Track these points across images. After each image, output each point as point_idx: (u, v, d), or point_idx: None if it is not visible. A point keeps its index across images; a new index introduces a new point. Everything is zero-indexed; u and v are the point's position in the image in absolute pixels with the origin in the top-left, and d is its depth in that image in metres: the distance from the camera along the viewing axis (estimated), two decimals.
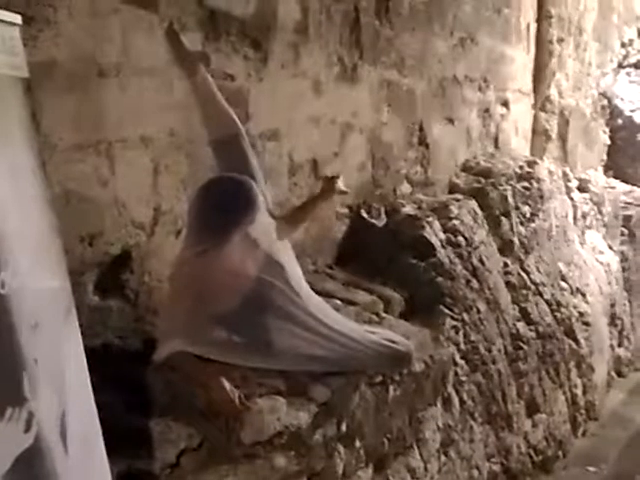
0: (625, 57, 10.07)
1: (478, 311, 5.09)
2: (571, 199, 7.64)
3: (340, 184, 3.64)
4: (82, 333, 2.12)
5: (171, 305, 3.15)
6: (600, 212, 8.21)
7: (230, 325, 3.08)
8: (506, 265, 5.86)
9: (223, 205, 3.10)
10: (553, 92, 8.12)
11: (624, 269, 8.26)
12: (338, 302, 4.06)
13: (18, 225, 1.89)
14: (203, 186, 3.21)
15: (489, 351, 5.09)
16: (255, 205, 3.17)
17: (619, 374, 7.77)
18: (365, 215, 5.08)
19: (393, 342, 3.43)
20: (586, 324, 6.78)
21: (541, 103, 8.05)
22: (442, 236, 5.12)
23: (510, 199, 6.15)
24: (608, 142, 9.56)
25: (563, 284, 6.70)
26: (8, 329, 1.79)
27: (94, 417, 2.09)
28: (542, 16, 7.92)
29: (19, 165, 1.97)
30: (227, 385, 2.93)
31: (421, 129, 5.80)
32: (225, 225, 3.08)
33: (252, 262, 3.15)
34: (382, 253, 4.90)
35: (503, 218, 5.99)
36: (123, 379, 2.88)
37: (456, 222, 5.29)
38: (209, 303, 3.04)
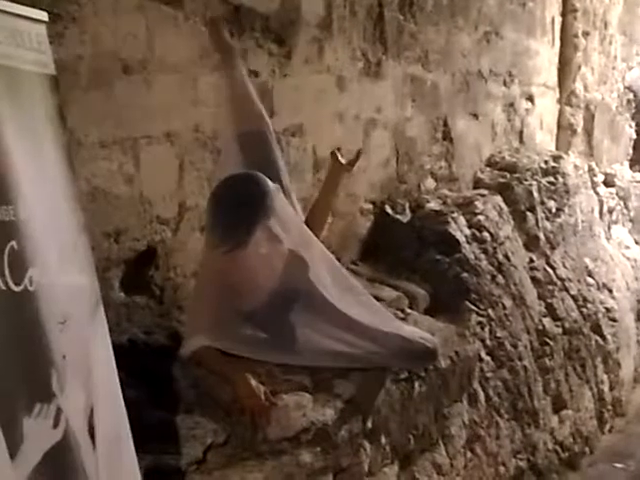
0: None
1: (504, 307, 5.06)
2: (597, 194, 7.57)
3: (339, 155, 3.58)
4: (109, 329, 2.13)
5: (198, 301, 3.16)
6: (626, 207, 8.14)
7: (256, 321, 3.09)
8: (532, 261, 5.83)
9: (238, 203, 3.10)
10: (578, 86, 8.05)
11: None
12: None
13: (45, 222, 1.89)
14: (217, 186, 3.20)
15: (515, 347, 5.06)
16: (267, 198, 3.15)
17: None
18: (389, 211, 5.06)
19: (420, 338, 3.42)
20: (613, 320, 6.72)
21: (566, 97, 7.98)
22: (467, 232, 5.09)
23: (535, 194, 6.10)
24: (634, 136, 9.47)
25: (589, 279, 6.64)
26: (36, 325, 1.80)
27: (122, 413, 2.10)
28: (567, 9, 7.85)
29: (47, 162, 1.98)
30: (253, 381, 2.94)
31: (445, 124, 5.78)
32: (243, 223, 3.08)
33: (277, 259, 3.16)
34: (407, 249, 4.88)
35: (528, 213, 5.95)
36: (149, 375, 2.89)
37: (481, 217, 5.26)
38: (236, 300, 3.05)
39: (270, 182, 3.20)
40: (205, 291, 3.12)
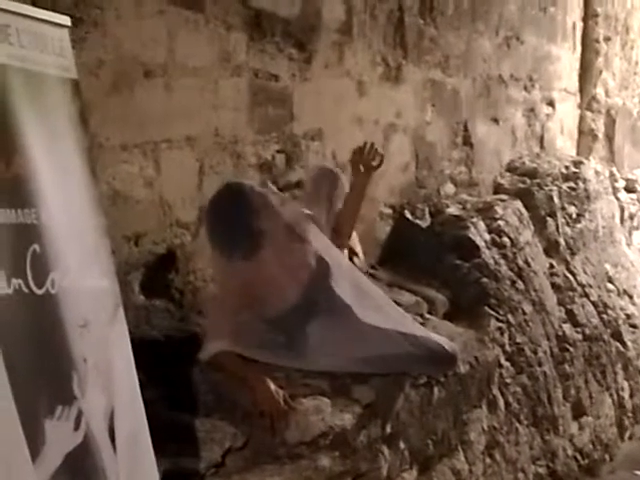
0: None
1: (523, 312, 5.04)
2: (618, 199, 7.54)
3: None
4: (128, 332, 2.13)
5: (218, 306, 3.16)
6: None
7: (276, 326, 3.09)
8: (552, 266, 5.80)
9: (230, 211, 3.09)
10: (599, 91, 8.01)
11: None
12: None
13: (67, 225, 1.90)
14: (208, 205, 3.19)
15: (535, 353, 5.03)
16: (250, 197, 3.12)
17: None
18: (409, 216, 5.05)
19: (439, 343, 3.40)
20: (633, 326, 6.68)
21: (587, 102, 7.95)
22: (487, 237, 5.08)
23: (556, 199, 6.08)
24: None
25: (610, 286, 6.61)
26: (58, 328, 1.81)
27: (142, 415, 2.10)
28: (588, 15, 7.82)
29: (68, 165, 1.99)
30: (272, 385, 2.94)
31: (465, 129, 5.76)
32: (243, 225, 3.08)
33: (303, 264, 3.16)
34: (426, 254, 4.87)
35: (549, 219, 5.93)
36: (169, 378, 2.89)
37: (501, 223, 5.24)
38: (257, 305, 3.05)
39: (249, 183, 3.21)
40: (226, 298, 3.11)
